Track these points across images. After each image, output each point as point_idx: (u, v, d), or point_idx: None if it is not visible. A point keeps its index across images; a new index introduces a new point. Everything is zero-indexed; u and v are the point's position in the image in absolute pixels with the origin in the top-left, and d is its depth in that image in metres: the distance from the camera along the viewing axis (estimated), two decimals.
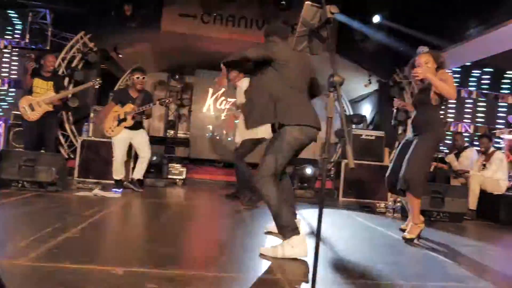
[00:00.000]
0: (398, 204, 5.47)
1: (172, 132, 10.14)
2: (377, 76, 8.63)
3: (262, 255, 2.80)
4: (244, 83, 5.34)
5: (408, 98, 8.02)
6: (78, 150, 6.34)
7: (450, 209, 5.23)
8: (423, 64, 3.85)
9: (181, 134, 10.26)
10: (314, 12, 1.94)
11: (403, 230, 4.13)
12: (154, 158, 6.44)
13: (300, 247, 2.78)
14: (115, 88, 8.53)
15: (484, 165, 6.10)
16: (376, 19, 7.55)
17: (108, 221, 3.58)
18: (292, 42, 2.12)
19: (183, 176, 7.02)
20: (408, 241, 3.73)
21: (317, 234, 1.78)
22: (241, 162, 5.19)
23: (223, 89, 9.38)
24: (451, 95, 3.69)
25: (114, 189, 5.36)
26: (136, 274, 2.21)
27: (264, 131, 5.13)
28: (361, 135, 7.07)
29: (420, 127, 3.88)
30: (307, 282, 2.32)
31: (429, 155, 3.95)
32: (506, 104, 9.96)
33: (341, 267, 2.76)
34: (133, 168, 5.84)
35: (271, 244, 2.93)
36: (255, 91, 3.01)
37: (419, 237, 3.82)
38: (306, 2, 1.97)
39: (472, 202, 5.75)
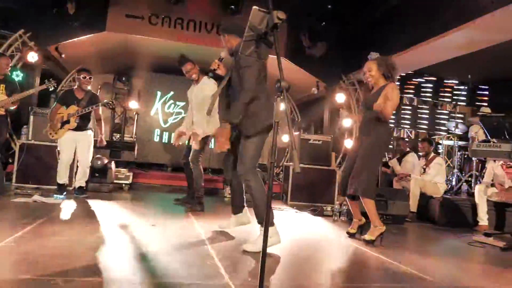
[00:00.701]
0: (345, 207, 5.61)
1: (118, 135, 9.84)
2: (324, 81, 8.82)
3: (246, 252, 3.13)
4: (205, 82, 5.17)
5: (354, 104, 8.27)
6: (17, 154, 6.00)
7: (393, 211, 5.44)
8: (367, 72, 4.08)
9: (127, 137, 9.99)
10: (262, 17, 1.95)
11: (349, 233, 4.23)
12: (99, 162, 6.22)
13: (275, 236, 3.20)
14: (58, 90, 8.17)
15: (425, 169, 6.39)
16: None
17: (47, 229, 3.40)
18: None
19: (129, 181, 6.84)
20: (369, 242, 3.84)
21: (264, 238, 1.77)
22: (197, 164, 5.09)
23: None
24: (386, 118, 3.94)
25: (56, 195, 5.13)
26: (79, 284, 2.11)
27: (211, 128, 5.07)
28: (308, 139, 7.20)
29: (367, 131, 4.04)
30: (255, 286, 2.31)
31: (375, 159, 4.08)
32: (446, 112, 10.54)
33: (287, 269, 2.78)
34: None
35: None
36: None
37: (381, 239, 3.93)
38: (254, 7, 1.97)
39: (413, 204, 6.00)
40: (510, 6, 4.82)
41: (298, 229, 4.65)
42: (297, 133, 7.69)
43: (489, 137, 6.05)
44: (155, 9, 7.57)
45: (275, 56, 2.03)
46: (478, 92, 10.55)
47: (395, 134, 10.15)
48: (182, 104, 9.44)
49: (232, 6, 7.02)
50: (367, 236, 3.91)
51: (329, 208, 5.77)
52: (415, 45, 6.42)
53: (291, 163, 7.27)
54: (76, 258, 2.65)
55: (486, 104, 9.93)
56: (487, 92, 10.50)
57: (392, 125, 9.81)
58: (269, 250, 2.99)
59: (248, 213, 3.86)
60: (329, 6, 7.44)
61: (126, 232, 3.60)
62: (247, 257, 3.05)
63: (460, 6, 5.60)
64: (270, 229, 3.01)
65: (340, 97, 8.20)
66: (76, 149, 5.43)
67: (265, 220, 1.75)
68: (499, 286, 2.96)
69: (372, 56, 4.09)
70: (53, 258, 2.59)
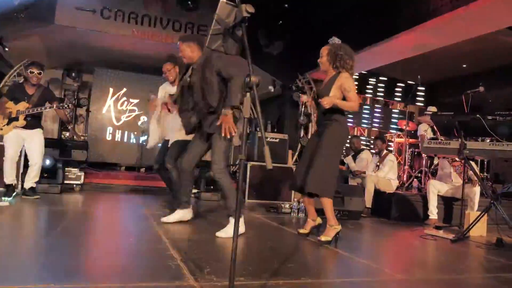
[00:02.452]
0: (302, 204, 5.66)
1: (67, 134, 9.43)
2: (280, 80, 8.88)
3: (219, 237, 3.55)
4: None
5: (311, 103, 8.37)
6: None
7: (349, 207, 5.55)
8: (320, 57, 3.89)
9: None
10: (229, 10, 1.91)
11: (301, 234, 4.06)
12: (48, 162, 5.93)
13: (242, 226, 3.70)
14: (1, 85, 7.73)
15: (378, 166, 6.58)
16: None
17: None
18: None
19: (81, 181, 6.56)
20: (324, 243, 3.63)
21: (234, 238, 1.73)
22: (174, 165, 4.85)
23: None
24: (354, 109, 3.75)
25: (4, 197, 4.83)
26: None
27: (157, 137, 4.94)
28: (266, 137, 7.22)
29: (324, 126, 3.81)
30: (221, 286, 2.26)
31: (334, 154, 3.79)
32: (397, 111, 10.94)
33: (251, 267, 2.75)
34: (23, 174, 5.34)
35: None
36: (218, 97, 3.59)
37: (336, 239, 3.71)
38: (221, 0, 1.92)
39: (368, 200, 6.16)
40: (459, 10, 5.06)
41: (257, 227, 4.63)
42: (254, 131, 7.69)
43: (438, 135, 6.32)
44: (108, 2, 7.31)
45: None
46: (419, 92, 11.08)
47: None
48: (135, 101, 9.21)
49: (189, 2, 6.89)
50: (323, 237, 3.66)
51: (287, 206, 5.80)
52: (370, 45, 6.59)
53: (248, 161, 7.26)
54: (28, 263, 2.49)
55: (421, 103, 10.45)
56: (422, 93, 11.06)
57: (350, 124, 10.04)
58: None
59: (191, 211, 4.21)
60: (286, 5, 7.49)
61: (81, 234, 3.44)
62: (209, 257, 2.99)
63: (413, 9, 5.81)
64: (240, 219, 3.40)
65: (296, 96, 8.30)
66: (26, 148, 5.16)
67: (236, 217, 1.71)
68: (452, 277, 3.08)
69: (330, 41, 3.90)
70: (1, 264, 2.42)
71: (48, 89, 5.43)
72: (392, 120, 10.78)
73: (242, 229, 3.71)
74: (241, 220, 3.73)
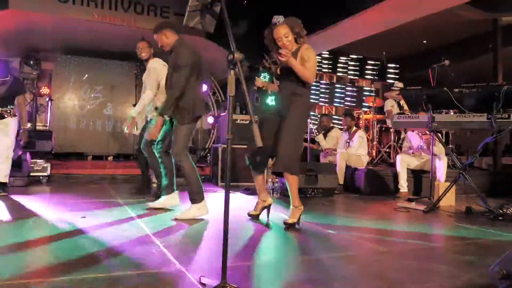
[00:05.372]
0: (276, 184, 5.70)
1: (29, 124, 9.03)
2: (247, 61, 8.79)
3: (177, 220, 3.66)
4: (156, 63, 4.72)
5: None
6: None
7: (323, 185, 5.62)
8: (283, 38, 3.61)
9: (40, 126, 9.21)
10: None
11: (252, 216, 3.96)
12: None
13: (204, 208, 3.78)
14: None
15: (348, 143, 6.67)
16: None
17: None
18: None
19: (47, 173, 6.33)
20: (290, 226, 3.47)
21: (224, 221, 1.70)
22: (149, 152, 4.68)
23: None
24: (309, 80, 3.53)
25: None
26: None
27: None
28: (235, 119, 7.15)
29: (287, 99, 3.61)
30: (208, 269, 2.24)
31: (301, 130, 3.70)
32: (367, 88, 11.12)
33: (236, 248, 2.73)
34: None
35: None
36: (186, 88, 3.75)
37: (299, 220, 3.56)
38: None
39: (340, 177, 6.25)
40: None
41: (233, 210, 4.61)
42: (223, 113, 7.62)
43: (404, 110, 6.45)
44: None
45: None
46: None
47: (316, 111, 10.46)
48: (99, 88, 8.90)
49: None
50: (290, 220, 3.49)
51: None
52: (336, 23, 6.61)
53: (219, 145, 7.20)
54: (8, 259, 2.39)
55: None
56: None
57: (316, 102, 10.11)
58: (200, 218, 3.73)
59: (178, 196, 4.31)
60: None
61: (55, 226, 3.32)
62: (192, 243, 2.97)
63: None
64: (202, 203, 3.76)
65: (264, 77, 8.24)
66: None
67: (225, 198, 1.68)
68: (433, 245, 3.18)
69: (279, 19, 3.64)
70: None
71: (18, 81, 4.98)
72: (363, 97, 10.96)
73: (205, 210, 3.80)
74: (204, 202, 3.80)
